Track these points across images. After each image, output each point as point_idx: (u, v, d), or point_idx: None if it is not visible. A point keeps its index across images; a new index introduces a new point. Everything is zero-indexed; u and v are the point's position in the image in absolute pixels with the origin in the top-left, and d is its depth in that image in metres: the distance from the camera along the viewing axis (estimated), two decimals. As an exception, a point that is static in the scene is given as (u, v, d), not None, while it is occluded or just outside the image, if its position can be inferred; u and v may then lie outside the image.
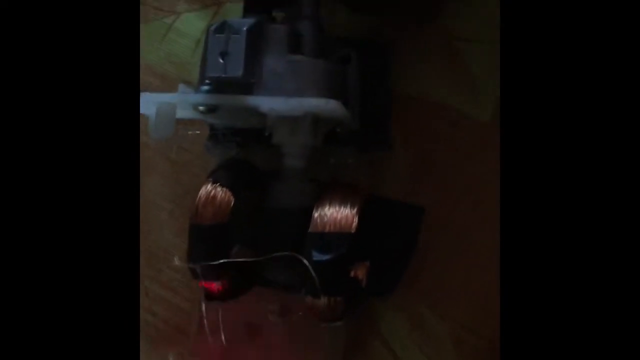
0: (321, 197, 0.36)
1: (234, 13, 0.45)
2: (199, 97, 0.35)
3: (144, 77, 0.46)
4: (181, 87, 0.36)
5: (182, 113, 0.37)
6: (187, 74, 0.46)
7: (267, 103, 0.34)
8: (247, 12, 0.38)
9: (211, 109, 0.36)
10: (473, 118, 0.43)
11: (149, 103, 0.35)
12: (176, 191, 0.44)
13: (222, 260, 0.34)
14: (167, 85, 0.46)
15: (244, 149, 0.41)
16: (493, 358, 0.40)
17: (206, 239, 0.36)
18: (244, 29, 0.35)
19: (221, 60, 0.35)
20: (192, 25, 0.46)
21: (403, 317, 0.41)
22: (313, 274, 0.34)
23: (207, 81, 0.35)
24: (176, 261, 0.36)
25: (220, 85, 0.35)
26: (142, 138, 0.36)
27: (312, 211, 0.36)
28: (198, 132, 0.41)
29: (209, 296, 0.37)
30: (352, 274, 0.36)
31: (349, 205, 0.36)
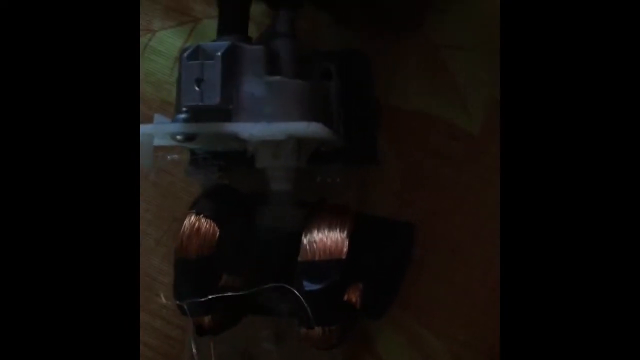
0: (309, 221, 0.35)
1: (211, 29, 0.42)
2: (175, 127, 0.34)
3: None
4: (157, 117, 0.35)
5: (160, 141, 0.35)
6: (166, 94, 0.44)
7: (246, 129, 0.33)
8: (220, 32, 0.37)
9: (189, 138, 0.34)
10: (463, 128, 0.42)
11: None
12: (160, 216, 0.43)
13: (210, 297, 0.33)
14: (145, 105, 0.44)
15: (226, 172, 0.39)
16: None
17: (192, 273, 0.34)
18: (218, 54, 0.33)
19: (197, 88, 0.33)
20: (169, 43, 0.45)
21: (399, 335, 0.40)
22: (305, 304, 0.33)
23: (183, 109, 0.34)
24: (162, 299, 0.34)
25: (197, 114, 0.34)
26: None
27: (300, 235, 0.35)
28: (177, 157, 0.40)
29: (200, 330, 0.36)
30: (345, 297, 0.35)
31: (338, 229, 0.34)
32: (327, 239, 0.34)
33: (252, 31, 0.38)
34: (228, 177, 0.39)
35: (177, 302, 0.34)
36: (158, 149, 0.36)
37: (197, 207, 0.36)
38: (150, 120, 0.35)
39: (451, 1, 0.43)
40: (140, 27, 0.45)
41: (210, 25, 0.44)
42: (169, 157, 0.39)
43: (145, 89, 0.45)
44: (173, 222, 0.42)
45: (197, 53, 0.34)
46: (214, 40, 0.36)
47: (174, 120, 0.34)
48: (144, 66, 0.45)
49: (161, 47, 0.45)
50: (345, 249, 0.34)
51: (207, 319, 0.35)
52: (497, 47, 0.40)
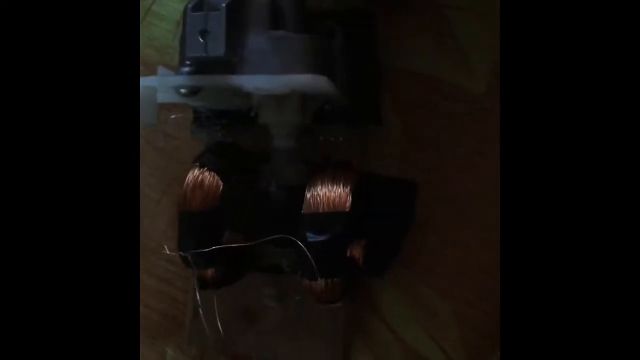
0: (313, 177, 0.35)
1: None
2: (180, 79, 0.33)
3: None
4: (160, 69, 0.34)
5: (163, 97, 0.35)
6: (169, 58, 0.44)
7: (251, 82, 0.32)
8: None
9: (193, 91, 0.34)
10: (467, 90, 0.41)
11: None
12: (164, 180, 0.42)
13: (213, 247, 0.33)
14: (149, 70, 0.43)
15: (230, 131, 0.39)
16: (496, 332, 0.39)
17: (196, 225, 0.34)
18: (223, 5, 0.32)
19: (201, 40, 0.32)
20: (171, 7, 0.44)
21: (403, 296, 0.40)
22: (309, 255, 0.32)
23: (187, 62, 0.33)
24: (166, 250, 0.34)
25: (201, 66, 0.33)
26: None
27: (304, 192, 0.34)
28: (181, 115, 0.39)
29: (203, 284, 0.35)
30: (348, 253, 0.35)
31: (341, 184, 0.34)
32: (330, 192, 0.34)
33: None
34: (232, 136, 0.39)
35: (181, 253, 0.34)
36: (161, 109, 0.36)
37: (200, 161, 0.35)
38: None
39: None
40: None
41: None
42: (172, 116, 0.39)
43: (148, 53, 0.44)
44: (174, 183, 0.41)
45: (201, 4, 0.33)
46: None
47: (178, 73, 0.34)
48: (147, 31, 0.44)
49: (163, 11, 0.44)
50: (348, 203, 0.34)
51: (210, 272, 0.34)
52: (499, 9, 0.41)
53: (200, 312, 0.36)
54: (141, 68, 0.44)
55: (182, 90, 0.34)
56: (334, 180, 0.34)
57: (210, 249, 0.33)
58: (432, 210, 0.40)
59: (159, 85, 0.33)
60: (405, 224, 0.38)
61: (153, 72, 0.42)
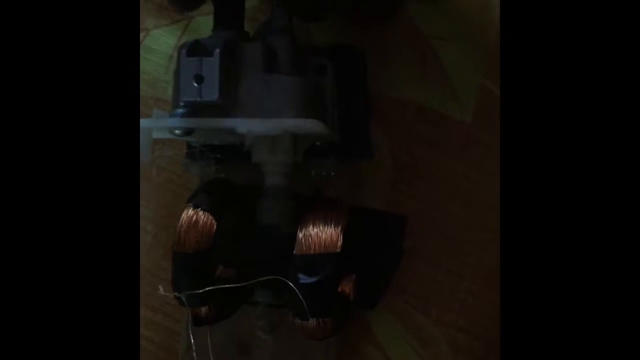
0: (305, 215, 0.35)
1: (205, 26, 0.42)
2: (174, 122, 0.33)
3: (118, 96, 0.43)
4: (155, 112, 0.35)
5: (158, 134, 0.35)
6: (161, 92, 0.43)
7: (244, 125, 0.33)
8: (217, 27, 0.36)
9: (188, 132, 0.34)
10: (453, 117, 0.42)
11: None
12: (158, 212, 0.42)
13: (207, 288, 0.33)
14: (141, 103, 0.43)
15: (223, 165, 0.39)
16: (490, 357, 0.40)
17: (190, 266, 0.34)
18: (217, 51, 0.33)
19: (195, 84, 0.33)
20: (162, 41, 0.44)
21: (397, 322, 0.41)
22: (300, 297, 0.32)
23: (181, 104, 0.34)
24: (161, 291, 0.34)
25: (195, 109, 0.33)
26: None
27: (296, 229, 0.35)
28: (176, 152, 0.39)
29: (197, 321, 0.35)
30: (339, 289, 0.35)
31: (332, 224, 0.34)
32: (322, 233, 0.34)
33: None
34: (225, 170, 0.39)
35: (176, 294, 0.34)
36: (156, 143, 0.36)
37: (194, 201, 0.35)
38: (147, 117, 0.35)
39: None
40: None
41: (204, 22, 0.43)
42: (165, 153, 0.39)
43: (141, 87, 0.44)
44: (169, 216, 0.41)
45: (195, 49, 0.33)
46: (211, 35, 0.36)
47: (172, 115, 0.34)
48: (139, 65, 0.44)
49: (155, 45, 0.44)
50: (339, 243, 0.34)
51: (204, 310, 0.35)
52: (485, 37, 0.42)
53: (193, 345, 0.36)
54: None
55: (177, 131, 0.34)
56: (325, 220, 0.34)
57: (204, 290, 0.33)
58: (424, 238, 0.40)
59: (155, 126, 0.34)
60: (395, 258, 0.39)
61: (145, 106, 0.43)
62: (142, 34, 0.44)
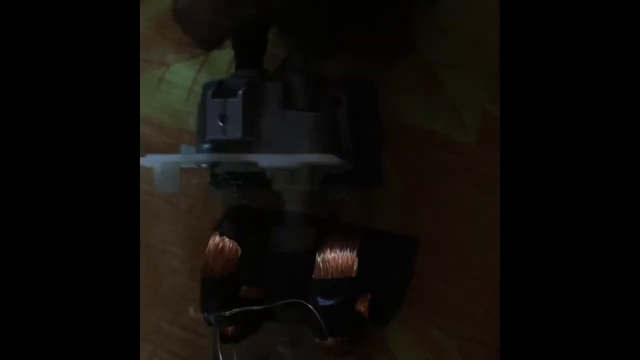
0: (323, 241, 0.37)
1: (222, 60, 0.45)
2: (201, 157, 0.36)
3: (143, 128, 0.46)
4: (184, 148, 0.37)
5: (185, 165, 0.37)
6: (183, 123, 0.46)
7: (266, 160, 0.35)
8: (239, 66, 0.39)
9: (213, 165, 0.37)
10: (460, 141, 0.44)
11: (154, 162, 0.35)
12: (184, 235, 0.45)
13: (234, 310, 0.35)
14: (164, 134, 0.46)
15: (245, 191, 0.41)
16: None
17: (218, 290, 0.37)
18: (240, 92, 0.35)
19: (220, 123, 0.35)
20: (183, 75, 0.46)
21: (411, 336, 0.43)
22: (319, 318, 0.35)
23: (207, 140, 0.36)
24: (191, 312, 0.37)
25: (220, 145, 0.36)
26: (146, 187, 0.37)
27: (314, 252, 0.37)
28: (201, 180, 0.42)
29: (224, 339, 0.38)
30: (355, 308, 0.37)
31: (348, 249, 0.36)
32: (339, 258, 0.36)
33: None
34: (247, 196, 0.41)
35: (205, 315, 0.36)
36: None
37: (220, 229, 0.38)
38: (170, 148, 0.38)
39: (442, 24, 0.45)
40: (156, 62, 0.47)
41: (221, 56, 0.46)
42: (193, 181, 0.42)
43: (163, 119, 0.46)
44: (193, 239, 0.44)
45: (220, 89, 0.36)
46: (233, 74, 0.38)
47: (200, 150, 0.36)
48: (161, 98, 0.47)
49: (176, 79, 0.46)
50: (355, 267, 0.36)
51: (230, 329, 0.37)
52: (488, 64, 0.43)
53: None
54: (157, 132, 0.46)
55: (203, 165, 0.36)
56: (342, 246, 0.37)
57: (231, 311, 0.35)
58: (435, 258, 0.42)
59: (185, 162, 0.36)
60: (407, 277, 0.40)
61: (168, 136, 0.45)
62: (163, 69, 0.47)
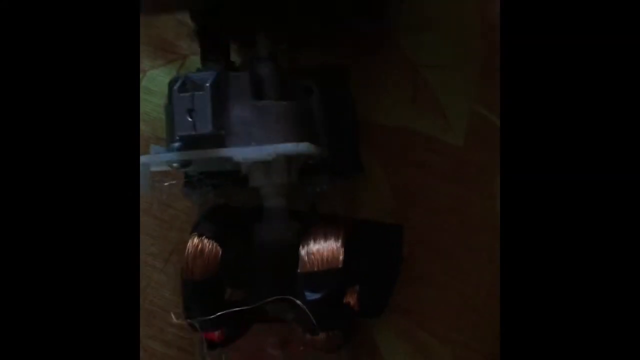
0: (305, 233, 0.34)
1: (198, 64, 0.42)
2: (172, 156, 0.33)
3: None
4: (153, 147, 0.34)
5: (156, 168, 0.34)
6: (161, 131, 0.41)
7: (239, 153, 0.32)
8: (205, 60, 0.36)
9: (185, 164, 0.34)
10: (447, 142, 0.40)
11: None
12: (166, 248, 0.41)
13: (218, 313, 0.32)
14: (143, 143, 0.42)
15: (221, 191, 0.38)
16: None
17: (200, 293, 0.33)
18: (207, 85, 0.32)
19: (189, 118, 0.32)
20: (159, 81, 0.43)
21: (405, 343, 0.39)
22: (308, 313, 0.32)
23: (177, 138, 0.33)
24: (174, 319, 0.33)
25: (190, 142, 0.33)
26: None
27: (298, 247, 0.34)
28: (174, 182, 0.39)
29: (211, 345, 0.35)
30: (345, 301, 0.34)
31: (332, 240, 0.33)
32: (323, 249, 0.33)
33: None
34: (223, 195, 0.38)
35: (188, 320, 0.33)
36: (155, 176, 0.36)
37: (198, 230, 0.34)
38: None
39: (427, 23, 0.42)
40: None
41: (198, 60, 0.40)
42: (166, 184, 0.39)
43: (142, 128, 0.42)
44: (175, 251, 0.40)
45: (186, 85, 0.33)
46: (199, 69, 0.35)
47: (169, 149, 0.33)
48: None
49: (153, 86, 0.43)
50: (341, 258, 0.33)
51: (217, 333, 0.34)
52: (473, 63, 0.41)
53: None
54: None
55: (175, 165, 0.33)
56: (326, 237, 0.33)
57: (215, 315, 0.32)
58: (426, 259, 0.39)
59: (153, 162, 0.33)
60: (395, 266, 0.38)
61: (145, 146, 0.42)
62: (139, 75, 0.44)
